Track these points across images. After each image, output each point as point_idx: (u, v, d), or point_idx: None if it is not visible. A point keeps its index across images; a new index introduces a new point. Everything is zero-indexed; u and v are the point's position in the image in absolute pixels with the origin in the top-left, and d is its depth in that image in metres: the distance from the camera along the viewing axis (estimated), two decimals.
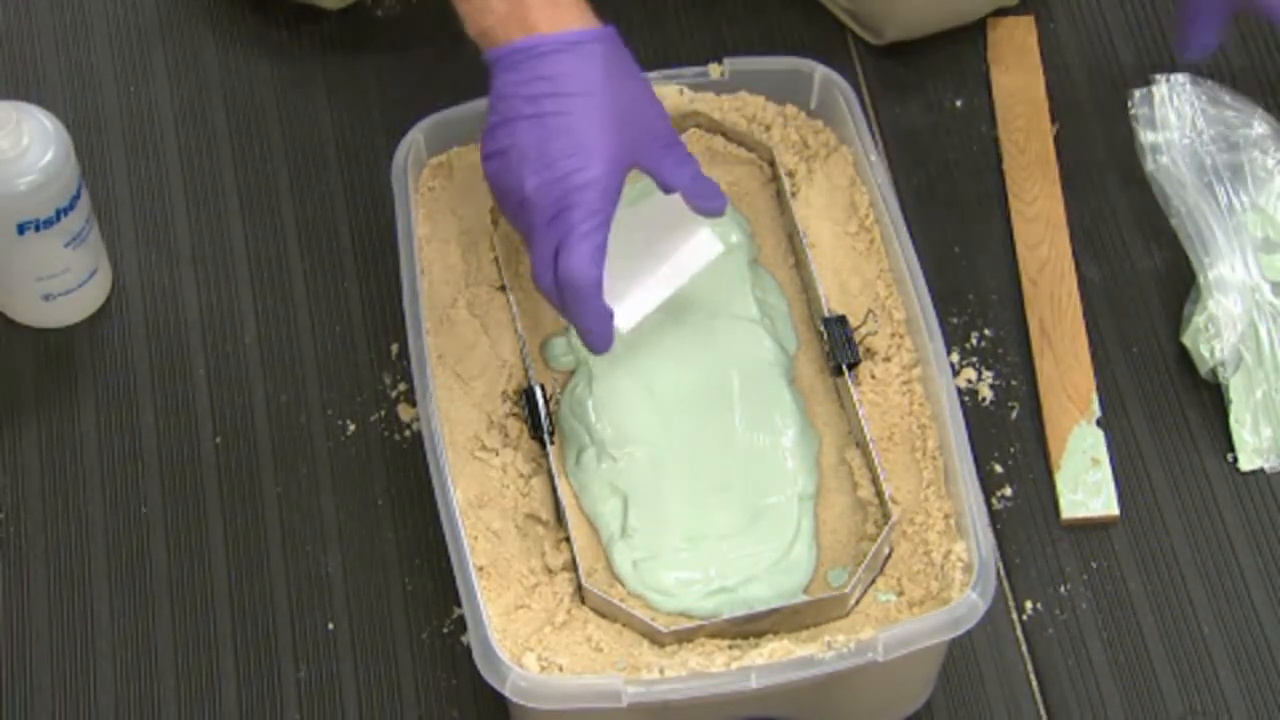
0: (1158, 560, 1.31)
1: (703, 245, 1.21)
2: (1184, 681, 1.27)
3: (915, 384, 1.21)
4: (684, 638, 1.14)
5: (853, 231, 1.27)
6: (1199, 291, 1.38)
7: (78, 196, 1.31)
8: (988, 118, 1.48)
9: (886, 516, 1.17)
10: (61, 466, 1.34)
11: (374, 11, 1.52)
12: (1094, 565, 1.31)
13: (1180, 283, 1.40)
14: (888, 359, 1.22)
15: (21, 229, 1.30)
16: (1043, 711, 1.27)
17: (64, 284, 1.35)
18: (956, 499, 1.16)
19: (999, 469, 1.34)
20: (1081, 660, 1.28)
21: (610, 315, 1.15)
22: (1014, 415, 1.36)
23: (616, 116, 1.13)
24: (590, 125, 1.12)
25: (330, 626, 1.28)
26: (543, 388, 1.21)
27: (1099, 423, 1.35)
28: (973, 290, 1.41)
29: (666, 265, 1.20)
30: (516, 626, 1.14)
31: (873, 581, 1.17)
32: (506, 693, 1.09)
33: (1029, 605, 1.30)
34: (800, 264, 1.27)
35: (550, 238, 1.12)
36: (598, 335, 1.15)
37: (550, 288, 1.14)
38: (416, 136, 1.27)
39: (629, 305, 1.20)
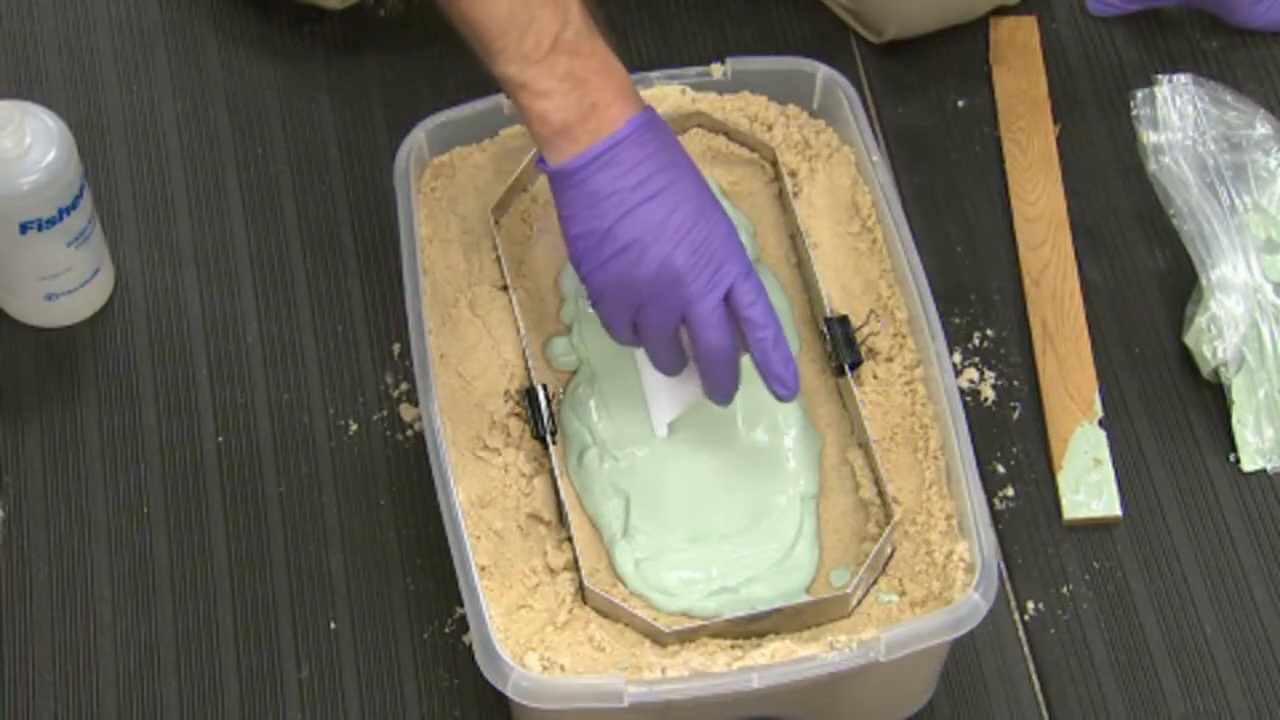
0: (1160, 561, 1.31)
1: None
2: (1186, 682, 1.27)
3: (917, 384, 1.21)
4: (686, 638, 1.14)
5: (855, 231, 1.27)
6: (1201, 292, 1.38)
7: (80, 196, 1.31)
8: (990, 117, 1.48)
9: (888, 517, 1.17)
10: (64, 465, 1.34)
11: (376, 12, 1.52)
12: (1096, 566, 1.31)
13: (1182, 283, 1.40)
14: (890, 359, 1.22)
15: (24, 228, 1.30)
16: (1044, 712, 1.27)
17: (66, 283, 1.35)
18: (958, 499, 1.16)
19: (1001, 469, 1.34)
20: (1083, 661, 1.28)
21: (788, 344, 1.15)
22: (1016, 415, 1.36)
23: (697, 167, 1.15)
24: (698, 185, 1.14)
25: (332, 626, 1.28)
26: (545, 387, 1.21)
27: (1101, 423, 1.35)
28: (975, 290, 1.41)
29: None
30: (518, 626, 1.14)
31: (875, 582, 1.17)
32: (508, 692, 1.09)
33: (1031, 606, 1.30)
34: (802, 264, 1.27)
35: (715, 294, 1.12)
36: (789, 365, 1.14)
37: (725, 344, 1.13)
38: (419, 136, 1.27)
39: (664, 405, 1.20)
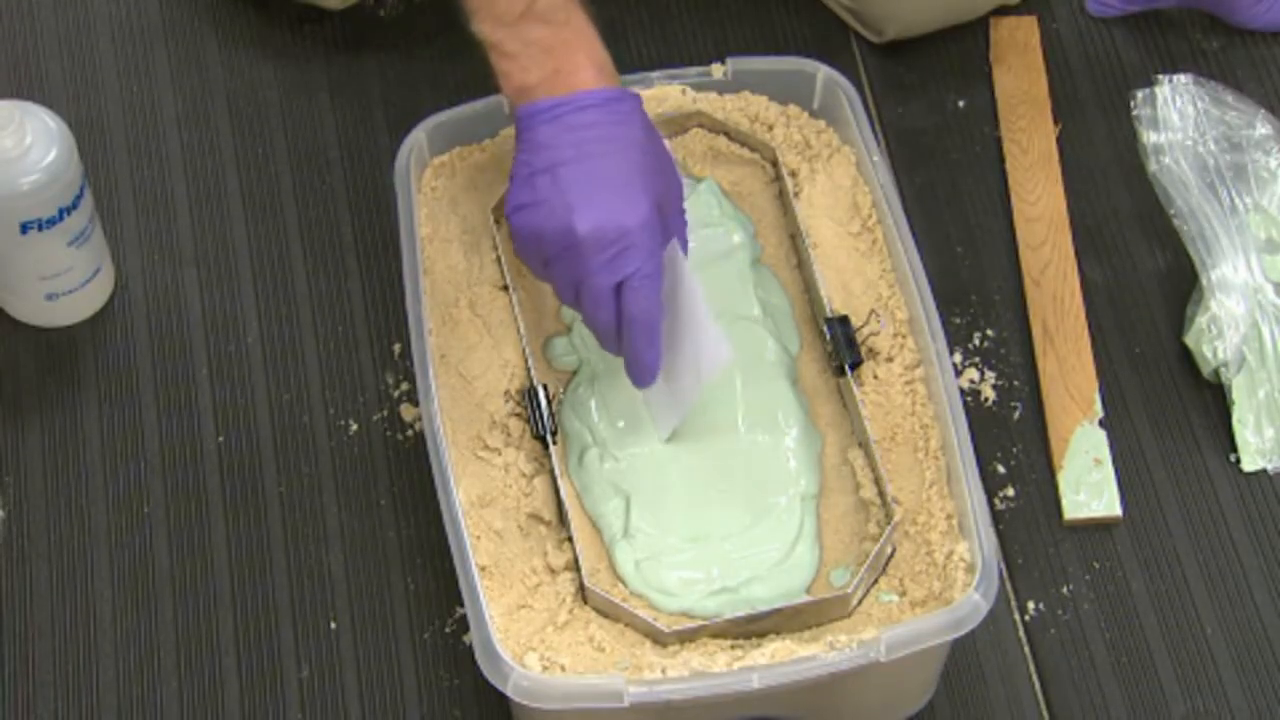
0: (1160, 561, 1.31)
1: (716, 355, 1.19)
2: (1186, 682, 1.27)
3: (918, 384, 1.21)
4: (686, 638, 1.14)
5: (855, 232, 1.27)
6: (1201, 292, 1.38)
7: (80, 196, 1.31)
8: (990, 117, 1.48)
9: (889, 517, 1.17)
10: (64, 466, 1.34)
11: (376, 12, 1.52)
12: (1096, 566, 1.31)
13: (1183, 283, 1.40)
14: (890, 359, 1.22)
15: (25, 228, 1.30)
16: (1045, 712, 1.27)
17: (67, 283, 1.35)
18: (959, 499, 1.16)
19: (1001, 469, 1.34)
20: (1084, 661, 1.28)
21: (660, 350, 1.17)
22: (1016, 416, 1.36)
23: (655, 166, 1.16)
24: (637, 170, 1.14)
25: (333, 626, 1.28)
26: (545, 387, 1.21)
27: (1101, 423, 1.35)
28: (975, 290, 1.41)
29: (690, 359, 1.19)
30: (519, 626, 1.14)
31: (875, 582, 1.17)
32: (508, 692, 1.09)
33: (1031, 606, 1.30)
34: (803, 264, 1.27)
35: (607, 279, 1.13)
36: (650, 368, 1.17)
37: (609, 324, 1.15)
38: (419, 136, 1.27)
39: (665, 411, 1.21)
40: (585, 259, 1.13)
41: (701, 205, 1.28)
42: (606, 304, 1.14)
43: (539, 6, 1.15)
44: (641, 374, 1.17)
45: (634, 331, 1.15)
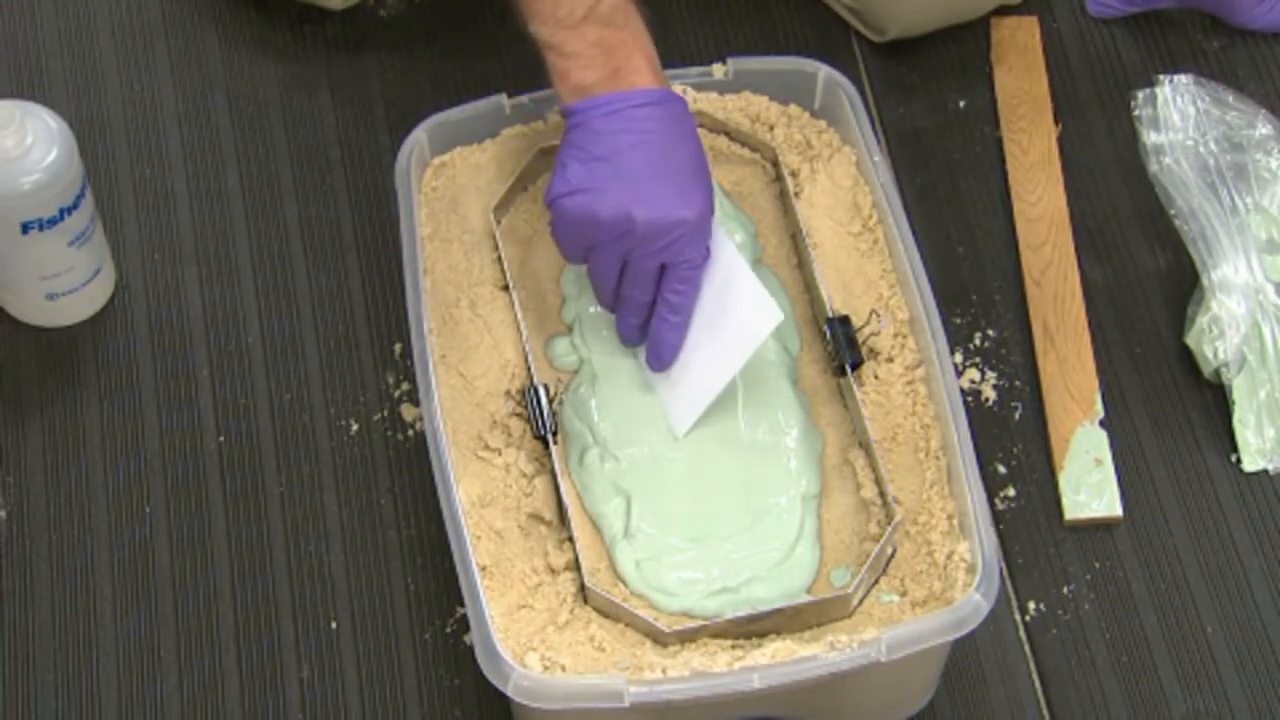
0: (1161, 561, 1.31)
1: (761, 317, 1.19)
2: (1187, 682, 1.27)
3: (918, 384, 1.21)
4: (687, 638, 1.14)
5: (856, 232, 1.27)
6: (1202, 292, 1.38)
7: (81, 196, 1.31)
8: (991, 118, 1.48)
9: (890, 517, 1.17)
10: (65, 465, 1.34)
11: (377, 12, 1.52)
12: (1097, 566, 1.31)
13: (1184, 283, 1.40)
14: (891, 359, 1.22)
15: (25, 228, 1.30)
16: (1045, 712, 1.27)
17: (68, 283, 1.35)
18: (959, 499, 1.16)
19: (1002, 469, 1.34)
20: (1084, 661, 1.28)
21: (684, 336, 1.21)
22: (1017, 416, 1.36)
23: (705, 164, 1.19)
24: (692, 166, 1.18)
25: (333, 625, 1.28)
26: (546, 387, 1.21)
27: (1102, 423, 1.35)
28: (976, 291, 1.41)
29: (721, 343, 1.20)
30: (519, 626, 1.14)
31: (875, 582, 1.17)
32: (509, 692, 1.09)
33: (1032, 606, 1.30)
34: (803, 264, 1.27)
35: (653, 261, 1.17)
36: (672, 350, 1.21)
37: (643, 304, 1.20)
38: (420, 136, 1.27)
39: (686, 405, 1.21)
40: (639, 245, 1.16)
41: None
42: (646, 284, 1.18)
43: (601, 10, 1.17)
44: (660, 357, 1.20)
45: (666, 312, 1.19)
